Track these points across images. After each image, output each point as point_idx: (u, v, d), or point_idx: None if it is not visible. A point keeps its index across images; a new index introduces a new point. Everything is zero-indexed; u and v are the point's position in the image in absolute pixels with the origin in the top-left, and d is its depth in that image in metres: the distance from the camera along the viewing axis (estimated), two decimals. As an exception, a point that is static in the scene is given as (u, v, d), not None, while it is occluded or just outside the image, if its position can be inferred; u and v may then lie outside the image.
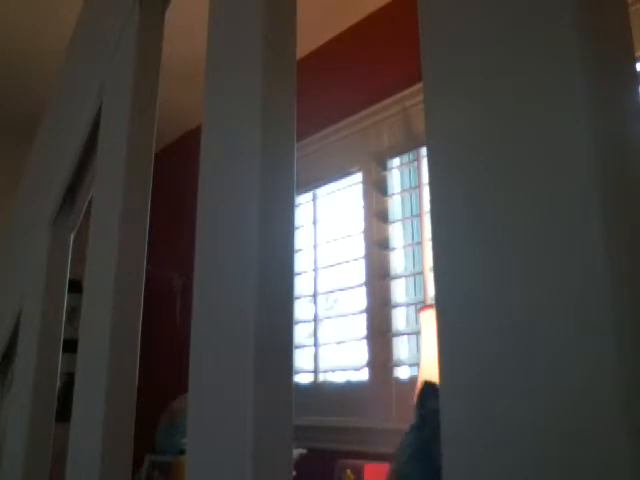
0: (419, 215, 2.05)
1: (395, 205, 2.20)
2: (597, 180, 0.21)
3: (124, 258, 0.53)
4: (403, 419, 1.87)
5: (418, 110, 2.07)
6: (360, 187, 2.26)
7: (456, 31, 0.27)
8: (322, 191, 2.44)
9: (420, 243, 2.02)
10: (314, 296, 2.34)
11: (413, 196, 2.15)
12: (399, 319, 2.09)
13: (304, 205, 2.47)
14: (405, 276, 2.10)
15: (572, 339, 0.21)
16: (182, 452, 2.28)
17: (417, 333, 1.94)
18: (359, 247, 2.21)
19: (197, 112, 2.93)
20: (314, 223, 2.41)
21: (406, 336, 2.06)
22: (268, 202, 0.36)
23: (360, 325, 2.15)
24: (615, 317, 0.20)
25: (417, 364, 1.77)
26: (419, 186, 2.08)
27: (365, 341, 2.11)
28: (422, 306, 1.81)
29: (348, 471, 1.75)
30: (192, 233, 0.40)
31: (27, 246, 0.77)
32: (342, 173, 2.35)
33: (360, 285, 2.17)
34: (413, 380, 1.74)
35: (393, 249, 2.13)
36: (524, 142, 0.23)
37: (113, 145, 0.58)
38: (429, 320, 1.62)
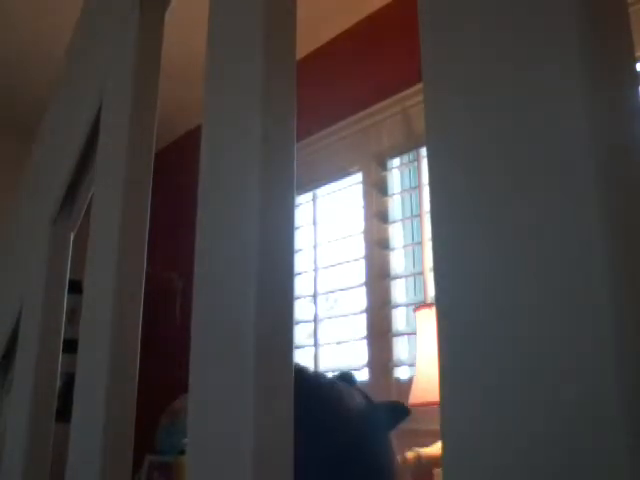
0: (419, 215, 2.05)
1: (395, 205, 2.20)
2: (597, 180, 0.21)
3: (124, 258, 0.53)
4: (403, 419, 1.87)
5: (418, 110, 2.07)
6: (360, 187, 2.26)
7: (456, 31, 0.27)
8: (322, 191, 2.44)
9: (420, 243, 2.02)
10: (314, 296, 2.34)
11: (413, 196, 2.15)
12: (399, 319, 2.09)
13: (304, 205, 2.47)
14: (405, 276, 2.10)
15: (572, 339, 0.21)
16: (182, 452, 2.28)
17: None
18: (359, 247, 2.20)
19: (197, 112, 2.93)
20: (314, 223, 2.41)
21: (406, 336, 2.06)
22: (268, 202, 0.36)
23: (360, 325, 2.15)
24: (615, 317, 0.20)
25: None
26: (419, 186, 2.08)
27: (365, 341, 2.11)
28: (418, 305, 1.81)
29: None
30: (192, 233, 0.40)
31: (27, 246, 0.77)
32: (342, 173, 2.35)
33: (360, 285, 2.17)
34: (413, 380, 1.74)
35: (393, 249, 2.13)
36: (524, 142, 0.23)
37: (113, 145, 0.58)
38: (425, 319, 1.62)
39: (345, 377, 1.01)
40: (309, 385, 0.93)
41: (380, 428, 0.95)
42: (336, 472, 0.88)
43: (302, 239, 2.43)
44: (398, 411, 1.00)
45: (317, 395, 0.93)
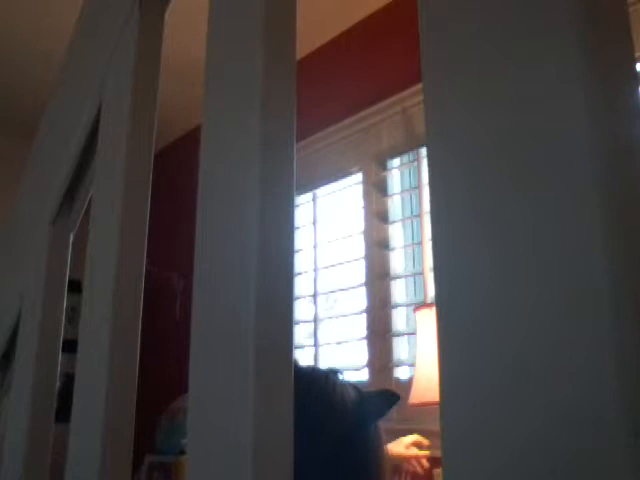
0: (419, 215, 2.05)
1: (395, 205, 2.20)
2: (597, 180, 0.21)
3: (124, 258, 0.53)
4: (403, 419, 1.87)
5: (418, 110, 2.07)
6: (360, 187, 2.26)
7: (456, 31, 0.27)
8: (322, 191, 2.44)
9: (420, 243, 2.02)
10: (314, 296, 2.34)
11: (413, 196, 2.15)
12: (399, 319, 2.09)
13: (304, 205, 2.47)
14: (405, 276, 2.10)
15: (572, 339, 0.21)
16: (182, 452, 2.29)
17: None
18: (359, 247, 2.21)
19: (197, 112, 2.93)
20: (314, 223, 2.41)
21: (406, 336, 2.06)
22: (268, 202, 0.36)
23: (360, 325, 2.15)
24: (615, 317, 0.20)
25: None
26: (419, 186, 2.08)
27: (365, 341, 2.11)
28: (418, 306, 1.81)
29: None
30: (192, 233, 0.40)
31: (27, 246, 0.77)
32: (342, 173, 2.35)
33: (360, 285, 2.17)
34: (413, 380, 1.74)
35: (393, 249, 2.13)
36: (524, 143, 0.23)
37: (113, 145, 0.58)
38: (425, 319, 1.62)
39: (333, 372, 1.03)
40: (307, 384, 0.94)
41: (374, 418, 0.97)
42: (335, 467, 0.89)
43: (302, 239, 2.43)
44: (389, 398, 1.03)
45: (315, 393, 0.94)
